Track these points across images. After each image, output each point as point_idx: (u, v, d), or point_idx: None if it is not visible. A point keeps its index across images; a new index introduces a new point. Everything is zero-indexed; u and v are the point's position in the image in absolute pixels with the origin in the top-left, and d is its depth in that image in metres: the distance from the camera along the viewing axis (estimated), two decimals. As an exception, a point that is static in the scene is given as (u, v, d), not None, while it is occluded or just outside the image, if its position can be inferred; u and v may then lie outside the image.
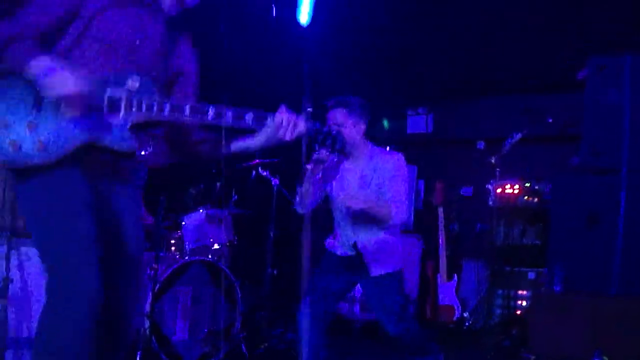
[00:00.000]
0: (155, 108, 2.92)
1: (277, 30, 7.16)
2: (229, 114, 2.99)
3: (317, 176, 4.62)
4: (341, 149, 3.41)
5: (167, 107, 2.93)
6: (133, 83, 2.91)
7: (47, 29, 2.89)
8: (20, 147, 2.79)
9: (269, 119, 3.09)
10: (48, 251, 2.81)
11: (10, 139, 2.78)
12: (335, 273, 4.76)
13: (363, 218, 4.63)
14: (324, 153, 4.44)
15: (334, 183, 4.79)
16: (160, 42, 3.12)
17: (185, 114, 2.95)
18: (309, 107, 6.06)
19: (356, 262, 4.71)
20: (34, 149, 2.79)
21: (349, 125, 4.63)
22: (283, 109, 3.12)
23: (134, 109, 2.91)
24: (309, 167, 4.55)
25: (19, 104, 2.82)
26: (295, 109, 5.96)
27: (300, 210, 4.74)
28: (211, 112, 2.97)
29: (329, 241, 4.93)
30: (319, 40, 7.38)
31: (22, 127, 2.80)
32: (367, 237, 4.70)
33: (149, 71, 3.03)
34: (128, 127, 2.91)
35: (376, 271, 4.67)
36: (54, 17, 2.89)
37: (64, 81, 2.73)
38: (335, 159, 4.71)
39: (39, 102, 2.82)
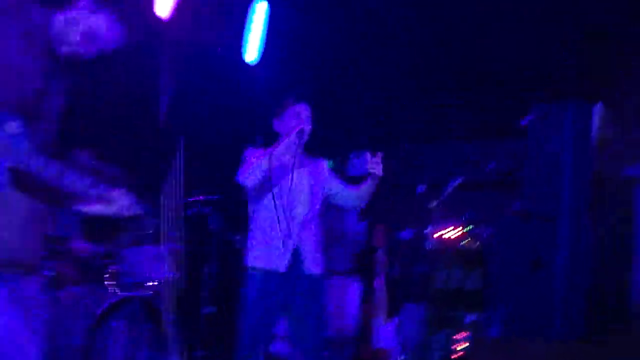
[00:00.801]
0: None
1: (224, 69, 7.18)
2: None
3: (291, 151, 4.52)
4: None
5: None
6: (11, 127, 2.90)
7: None
8: None
9: None
10: None
11: None
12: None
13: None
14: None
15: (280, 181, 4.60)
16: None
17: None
18: (260, 141, 6.08)
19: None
20: None
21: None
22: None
23: None
24: (293, 137, 4.45)
25: None
26: (240, 146, 5.98)
27: (246, 182, 4.56)
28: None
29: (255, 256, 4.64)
30: (266, 78, 7.42)
31: None
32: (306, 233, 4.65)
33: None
34: None
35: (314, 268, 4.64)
36: None
37: None
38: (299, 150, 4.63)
39: None
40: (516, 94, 6.56)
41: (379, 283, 7.29)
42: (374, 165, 4.69)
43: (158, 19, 6.16)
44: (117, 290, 5.71)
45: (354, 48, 7.21)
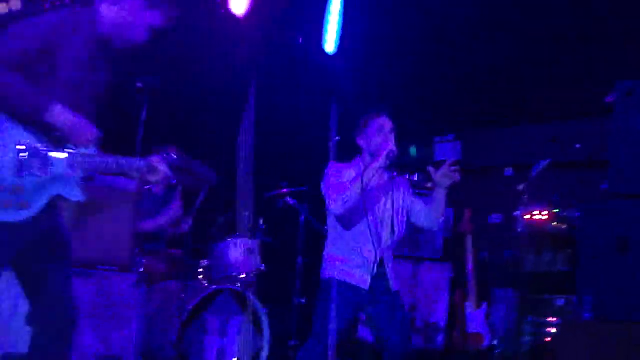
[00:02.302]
0: (91, 162, 3.27)
1: (304, 59, 7.23)
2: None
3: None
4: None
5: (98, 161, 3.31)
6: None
7: (23, 61, 3.03)
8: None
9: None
10: None
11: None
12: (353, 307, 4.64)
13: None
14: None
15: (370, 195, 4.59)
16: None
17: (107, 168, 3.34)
18: (336, 137, 6.13)
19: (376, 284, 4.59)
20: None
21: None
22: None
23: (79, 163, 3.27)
24: (383, 161, 4.42)
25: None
26: (324, 137, 6.05)
27: (340, 209, 4.48)
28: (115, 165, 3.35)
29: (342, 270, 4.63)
30: (346, 68, 7.44)
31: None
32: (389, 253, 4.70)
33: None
34: None
35: (396, 286, 4.68)
36: (31, 51, 3.05)
37: (87, 128, 3.08)
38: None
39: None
40: (600, 71, 6.40)
41: (469, 268, 7.25)
42: (445, 177, 4.57)
43: (234, 16, 6.26)
44: (208, 284, 5.85)
45: (430, 33, 7.15)
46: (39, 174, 3.05)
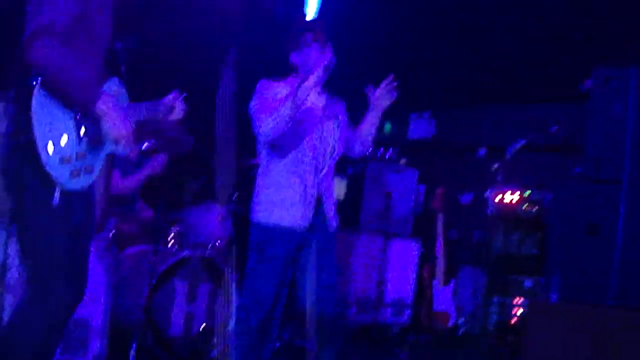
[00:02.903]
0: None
1: (283, 25, 7.17)
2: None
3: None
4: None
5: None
6: (114, 89, 3.24)
7: (64, 29, 2.90)
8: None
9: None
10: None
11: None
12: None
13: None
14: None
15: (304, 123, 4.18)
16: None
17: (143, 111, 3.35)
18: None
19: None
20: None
21: None
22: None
23: None
24: (320, 73, 3.94)
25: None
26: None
27: (271, 132, 4.00)
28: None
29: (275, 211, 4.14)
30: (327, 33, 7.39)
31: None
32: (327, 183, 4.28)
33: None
34: None
35: (333, 224, 4.31)
36: (72, 18, 2.92)
37: (123, 125, 3.01)
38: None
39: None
40: (579, 57, 6.44)
41: (438, 246, 7.31)
42: (384, 95, 4.25)
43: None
44: (179, 250, 5.82)
45: (410, 8, 7.13)
46: (94, 134, 3.02)
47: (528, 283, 6.80)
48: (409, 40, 7.58)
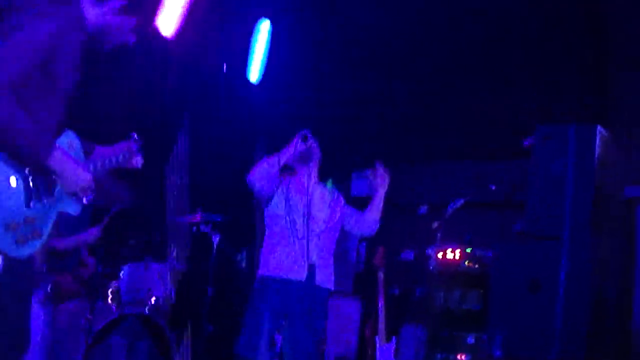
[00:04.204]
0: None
1: (228, 87, 7.20)
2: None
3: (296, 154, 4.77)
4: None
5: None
6: (67, 140, 3.07)
7: (20, 79, 2.74)
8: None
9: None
10: None
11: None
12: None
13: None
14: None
15: (296, 195, 4.84)
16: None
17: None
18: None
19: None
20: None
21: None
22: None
23: None
24: (297, 141, 4.74)
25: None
26: (247, 165, 6.04)
27: (255, 180, 4.76)
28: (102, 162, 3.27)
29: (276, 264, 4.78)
30: (269, 98, 7.44)
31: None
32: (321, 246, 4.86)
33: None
34: None
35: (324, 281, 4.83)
36: (29, 68, 2.77)
37: (82, 177, 2.92)
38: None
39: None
40: (519, 115, 6.57)
41: (379, 303, 7.27)
42: (381, 178, 5.04)
43: (163, 38, 6.18)
44: (117, 307, 5.69)
45: (353, 69, 7.23)
46: (45, 198, 2.87)
47: (471, 339, 6.79)
48: (349, 98, 7.67)
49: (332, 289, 4.91)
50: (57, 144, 2.88)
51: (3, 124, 2.63)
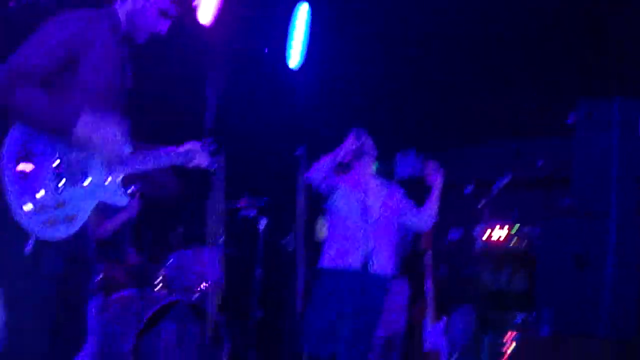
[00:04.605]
0: (137, 165, 3.25)
1: (269, 74, 7.22)
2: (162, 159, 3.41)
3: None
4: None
5: (138, 162, 3.27)
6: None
7: (45, 73, 2.90)
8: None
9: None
10: None
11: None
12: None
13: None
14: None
15: (352, 189, 5.16)
16: (123, 74, 3.29)
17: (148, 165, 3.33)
18: (300, 149, 6.14)
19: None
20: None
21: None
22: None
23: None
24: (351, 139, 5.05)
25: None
26: (288, 149, 6.09)
27: (314, 177, 5.12)
28: (157, 160, 3.37)
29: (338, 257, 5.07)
30: (309, 83, 7.44)
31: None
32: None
33: (118, 107, 3.23)
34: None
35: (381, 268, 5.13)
36: (53, 61, 2.92)
37: (115, 143, 2.99)
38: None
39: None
40: (564, 90, 6.48)
41: (427, 285, 7.25)
42: (435, 174, 5.35)
43: (201, 26, 6.23)
44: (166, 294, 5.77)
45: (396, 49, 7.18)
46: (76, 185, 2.97)
47: (519, 318, 6.75)
48: (394, 80, 7.63)
49: (391, 274, 5.20)
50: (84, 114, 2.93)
51: (21, 101, 2.79)
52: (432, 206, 5.34)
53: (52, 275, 2.96)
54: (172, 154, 3.45)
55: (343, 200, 5.15)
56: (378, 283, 5.10)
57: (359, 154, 5.18)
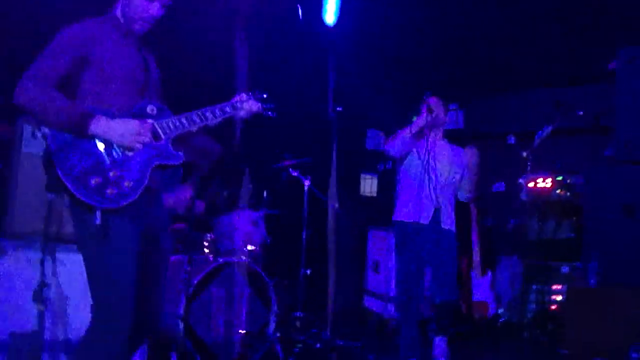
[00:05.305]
0: (178, 123, 3.40)
1: (303, 30, 7.17)
2: (216, 111, 3.57)
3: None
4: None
5: (185, 120, 3.44)
6: (152, 110, 3.37)
7: (61, 73, 3.18)
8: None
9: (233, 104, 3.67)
10: None
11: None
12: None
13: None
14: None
15: (423, 153, 5.51)
16: (144, 63, 3.48)
17: (196, 121, 3.47)
18: (338, 108, 6.12)
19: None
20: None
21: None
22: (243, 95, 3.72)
23: (168, 131, 3.37)
24: (424, 114, 5.42)
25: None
26: (323, 107, 6.09)
27: (390, 148, 5.53)
28: (208, 114, 3.52)
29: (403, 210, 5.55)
30: (346, 39, 7.38)
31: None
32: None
33: (149, 93, 3.47)
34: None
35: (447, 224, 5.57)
36: (66, 62, 3.18)
37: (129, 132, 3.18)
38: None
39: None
40: (603, 37, 6.35)
41: (474, 237, 7.25)
42: (473, 156, 5.66)
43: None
44: (214, 258, 5.84)
45: (430, 2, 7.08)
46: (131, 151, 3.22)
47: (565, 269, 6.73)
48: (432, 34, 7.54)
49: (454, 231, 5.57)
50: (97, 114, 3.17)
51: (42, 105, 3.07)
52: (471, 183, 5.76)
53: (124, 249, 3.16)
54: (221, 105, 3.61)
55: (415, 162, 5.55)
56: (449, 236, 5.53)
57: (432, 125, 5.48)
